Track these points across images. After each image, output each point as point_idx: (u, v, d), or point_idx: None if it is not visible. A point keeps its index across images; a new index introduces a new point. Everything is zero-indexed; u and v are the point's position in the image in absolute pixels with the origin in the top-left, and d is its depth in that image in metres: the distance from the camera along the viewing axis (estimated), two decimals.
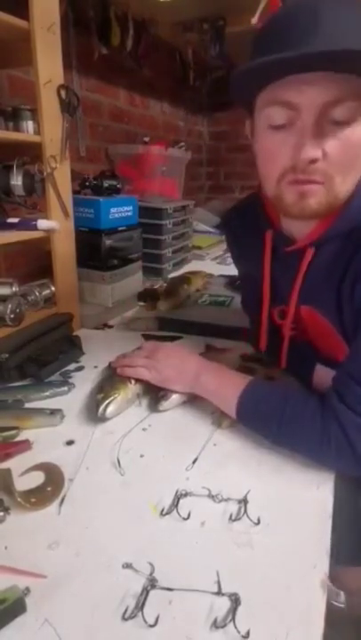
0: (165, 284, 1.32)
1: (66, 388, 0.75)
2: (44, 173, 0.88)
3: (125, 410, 0.70)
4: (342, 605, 0.44)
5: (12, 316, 0.86)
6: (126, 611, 0.39)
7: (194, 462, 0.58)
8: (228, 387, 0.63)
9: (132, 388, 0.72)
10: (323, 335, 0.66)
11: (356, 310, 0.56)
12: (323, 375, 0.70)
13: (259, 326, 0.75)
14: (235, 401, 0.61)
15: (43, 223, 0.88)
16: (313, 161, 0.48)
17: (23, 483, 0.53)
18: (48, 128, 0.86)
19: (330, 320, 0.62)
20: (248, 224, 0.71)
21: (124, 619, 0.39)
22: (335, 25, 0.44)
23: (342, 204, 0.55)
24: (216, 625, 0.38)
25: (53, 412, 0.67)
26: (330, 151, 0.48)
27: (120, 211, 1.11)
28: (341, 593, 0.44)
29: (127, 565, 0.44)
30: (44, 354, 0.82)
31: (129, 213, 1.15)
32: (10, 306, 0.86)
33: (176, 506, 0.51)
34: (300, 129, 0.48)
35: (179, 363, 0.70)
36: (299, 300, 0.65)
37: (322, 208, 0.53)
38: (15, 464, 0.57)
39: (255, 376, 0.66)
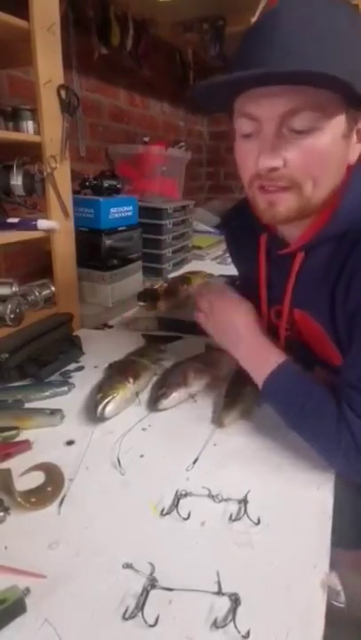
0: (165, 284, 1.32)
1: (66, 388, 0.75)
2: (44, 173, 0.88)
3: (125, 409, 0.70)
4: (342, 605, 0.44)
5: (12, 316, 0.86)
6: (126, 611, 0.39)
7: (194, 462, 0.58)
8: (261, 362, 0.63)
9: (131, 387, 0.72)
10: (316, 339, 0.66)
11: (350, 316, 0.55)
12: (321, 376, 0.70)
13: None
14: (263, 378, 0.61)
15: (43, 223, 0.88)
16: (273, 169, 0.49)
17: (23, 483, 0.53)
18: (48, 128, 0.86)
19: (322, 325, 0.62)
20: (247, 225, 0.71)
21: (125, 619, 0.39)
22: (292, 37, 0.44)
23: (329, 207, 0.55)
24: (216, 625, 0.38)
25: (53, 412, 0.67)
26: (291, 159, 0.49)
27: (120, 211, 1.11)
28: (341, 593, 0.44)
29: (127, 565, 0.44)
30: (44, 354, 0.82)
31: (129, 213, 1.15)
32: (10, 306, 0.86)
33: (176, 506, 0.51)
34: (262, 138, 0.50)
35: (227, 323, 0.70)
36: (292, 303, 0.65)
37: (293, 214, 0.54)
38: (15, 464, 0.57)
39: (288, 358, 0.63)
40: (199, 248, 1.83)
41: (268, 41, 0.45)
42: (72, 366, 0.85)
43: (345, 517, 0.54)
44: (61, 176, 0.91)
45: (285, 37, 0.44)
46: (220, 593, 0.41)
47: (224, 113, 0.57)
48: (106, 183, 1.11)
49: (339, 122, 0.48)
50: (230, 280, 1.36)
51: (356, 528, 0.68)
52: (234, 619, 0.38)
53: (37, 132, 0.88)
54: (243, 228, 0.74)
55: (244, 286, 0.92)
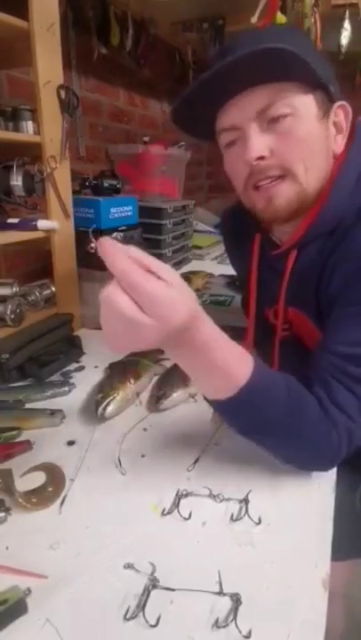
0: None
1: (66, 389, 0.75)
2: (44, 173, 0.88)
3: (125, 409, 0.70)
4: None
5: (12, 316, 0.86)
6: (128, 611, 0.39)
7: (195, 462, 0.58)
8: (213, 382, 0.46)
9: (132, 387, 0.72)
10: (309, 335, 0.66)
11: (331, 300, 0.54)
12: None
13: (253, 326, 0.75)
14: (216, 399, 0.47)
15: (43, 223, 0.88)
16: (260, 158, 0.52)
17: (24, 483, 0.54)
18: (48, 128, 0.86)
19: (313, 320, 0.62)
20: (242, 226, 0.71)
21: (126, 619, 0.39)
22: (242, 47, 0.47)
23: (318, 202, 0.55)
24: (218, 625, 0.38)
25: (54, 412, 0.67)
26: (276, 146, 0.52)
27: (120, 211, 1.11)
28: None
29: (128, 565, 0.44)
30: (44, 354, 0.82)
31: (129, 213, 1.15)
32: (10, 306, 0.86)
33: (177, 506, 0.51)
34: (244, 138, 0.53)
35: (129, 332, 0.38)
36: (286, 302, 0.65)
37: (293, 205, 0.55)
38: (16, 464, 0.57)
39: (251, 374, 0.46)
40: (199, 248, 1.83)
41: (225, 57, 0.48)
42: (72, 366, 0.85)
43: (343, 512, 0.54)
44: (61, 176, 0.91)
45: (238, 49, 0.48)
46: (221, 593, 0.41)
47: (210, 141, 0.60)
48: (106, 183, 1.11)
49: (309, 104, 0.52)
50: (230, 280, 1.37)
51: (348, 538, 0.68)
52: (235, 619, 0.38)
53: (37, 132, 0.87)
54: (238, 229, 0.74)
55: (243, 286, 0.92)
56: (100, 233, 1.05)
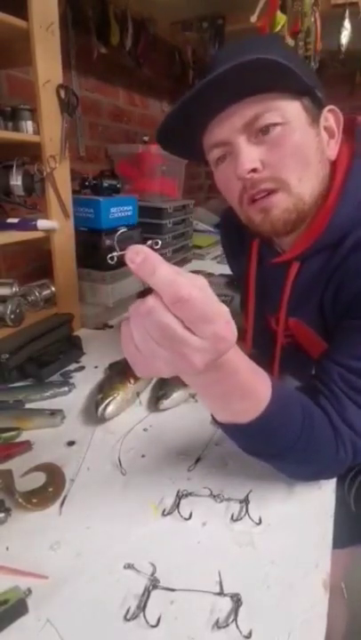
0: None
1: (66, 389, 0.75)
2: (44, 173, 0.87)
3: (125, 409, 0.70)
4: None
5: (12, 316, 0.86)
6: (128, 611, 0.39)
7: (196, 462, 0.58)
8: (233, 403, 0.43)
9: (132, 387, 0.72)
10: (312, 345, 0.65)
11: (339, 317, 0.54)
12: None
13: (253, 330, 0.74)
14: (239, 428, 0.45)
15: (43, 223, 0.88)
16: (253, 170, 0.51)
17: (24, 483, 0.53)
18: (47, 128, 0.86)
19: (317, 331, 0.61)
20: (241, 227, 0.71)
21: (126, 619, 0.39)
22: (227, 62, 0.45)
23: (320, 213, 0.54)
24: (218, 625, 0.38)
25: (54, 412, 0.67)
26: (267, 157, 0.51)
27: (120, 210, 1.11)
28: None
29: (129, 566, 0.44)
30: (44, 354, 0.82)
31: (129, 213, 1.15)
32: (10, 306, 0.86)
33: (177, 506, 0.51)
34: (235, 153, 0.52)
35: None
36: (287, 312, 0.64)
37: (291, 216, 0.53)
38: (16, 465, 0.57)
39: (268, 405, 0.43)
40: (199, 247, 1.83)
41: (207, 74, 0.47)
42: (72, 366, 0.85)
43: (335, 517, 0.54)
44: (61, 176, 0.90)
45: (220, 64, 0.45)
46: (221, 593, 0.41)
47: (199, 161, 0.60)
48: (106, 183, 1.11)
49: (297, 111, 0.51)
50: (230, 280, 1.36)
51: (346, 526, 0.68)
52: (236, 619, 0.38)
53: (37, 131, 0.87)
54: (237, 230, 0.74)
55: (241, 286, 0.92)
56: (99, 233, 1.05)
